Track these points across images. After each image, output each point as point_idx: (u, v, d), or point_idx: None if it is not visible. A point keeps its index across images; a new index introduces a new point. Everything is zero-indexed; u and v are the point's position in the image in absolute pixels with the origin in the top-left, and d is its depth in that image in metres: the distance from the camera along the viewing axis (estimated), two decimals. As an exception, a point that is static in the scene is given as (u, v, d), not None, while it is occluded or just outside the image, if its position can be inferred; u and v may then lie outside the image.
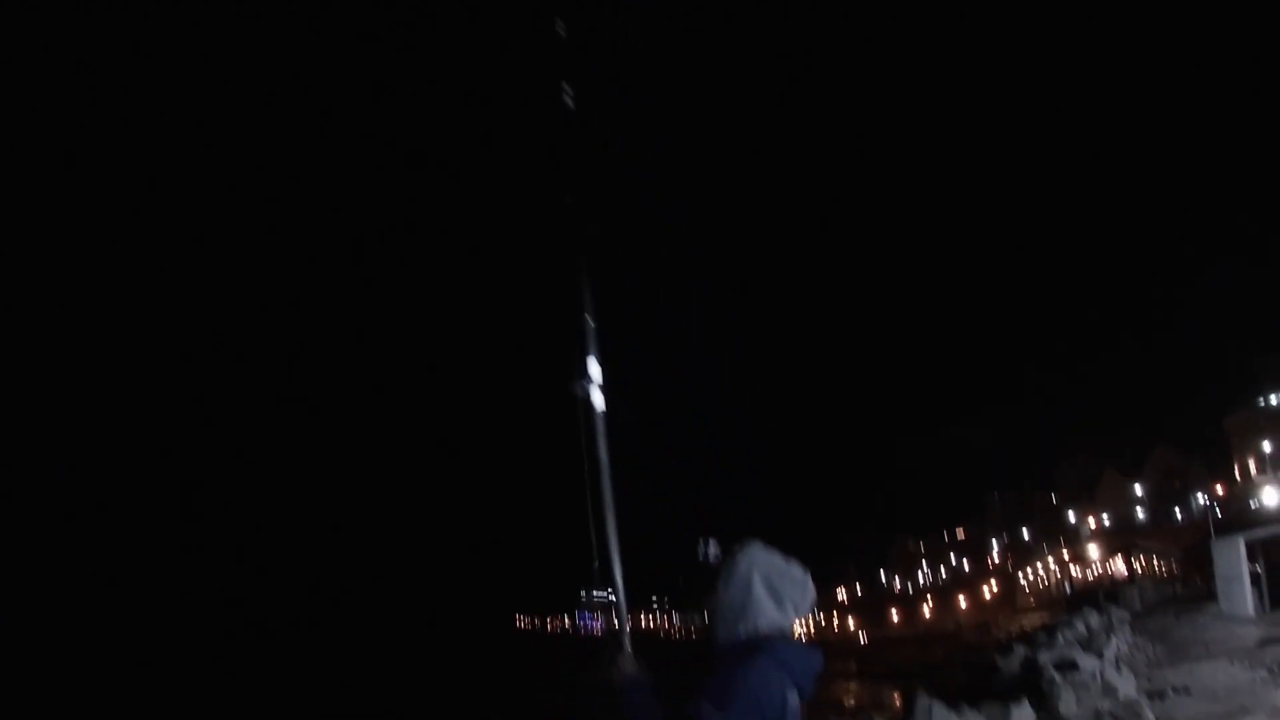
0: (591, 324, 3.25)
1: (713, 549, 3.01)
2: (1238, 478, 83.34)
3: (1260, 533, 30.59)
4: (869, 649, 74.83)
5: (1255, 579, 27.09)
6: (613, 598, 3.00)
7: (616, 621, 3.01)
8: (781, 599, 2.90)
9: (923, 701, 8.12)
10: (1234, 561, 27.43)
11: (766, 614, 2.87)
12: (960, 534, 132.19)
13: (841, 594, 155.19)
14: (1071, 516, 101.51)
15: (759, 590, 2.88)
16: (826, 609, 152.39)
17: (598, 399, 3.16)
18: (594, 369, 3.19)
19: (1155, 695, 13.36)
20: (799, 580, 2.96)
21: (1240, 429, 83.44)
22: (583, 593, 2.99)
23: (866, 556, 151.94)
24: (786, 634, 2.90)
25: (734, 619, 2.90)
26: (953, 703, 8.91)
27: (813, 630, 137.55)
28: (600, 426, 3.13)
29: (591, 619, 2.96)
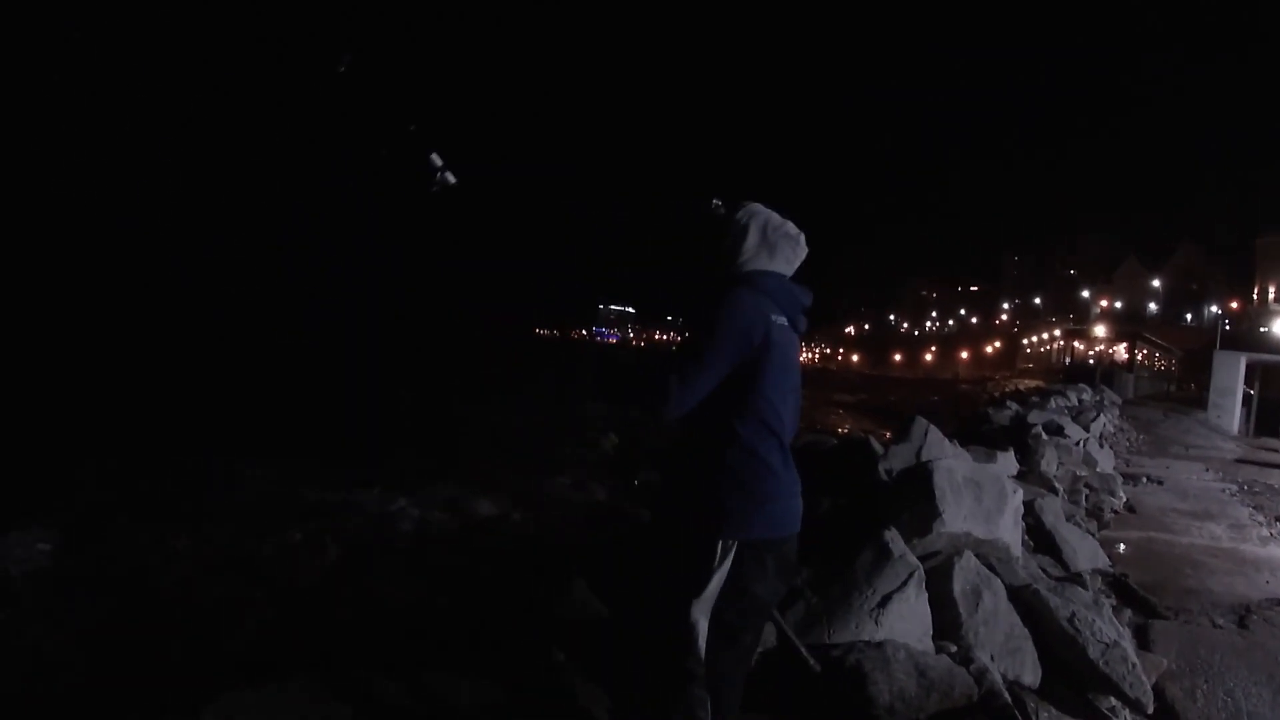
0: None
1: (721, 206, 3.12)
2: (1255, 298, 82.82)
3: (1263, 357, 30.71)
4: (869, 385, 76.23)
5: (1247, 399, 27.41)
6: (630, 309, 3.16)
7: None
8: (774, 249, 3.06)
9: (920, 423, 8.48)
10: (1232, 376, 27.53)
11: (761, 259, 3.04)
12: (974, 288, 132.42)
13: (850, 329, 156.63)
14: (1085, 293, 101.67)
15: (754, 238, 3.04)
16: (833, 342, 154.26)
17: (449, 178, 3.46)
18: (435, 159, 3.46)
19: (1129, 478, 13.71)
20: (792, 235, 3.10)
21: (1270, 252, 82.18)
22: (600, 306, 3.14)
23: (878, 295, 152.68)
24: (764, 271, 3.07)
25: (729, 264, 3.04)
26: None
27: (817, 359, 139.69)
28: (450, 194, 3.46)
29: (607, 332, 3.10)
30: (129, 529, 10.03)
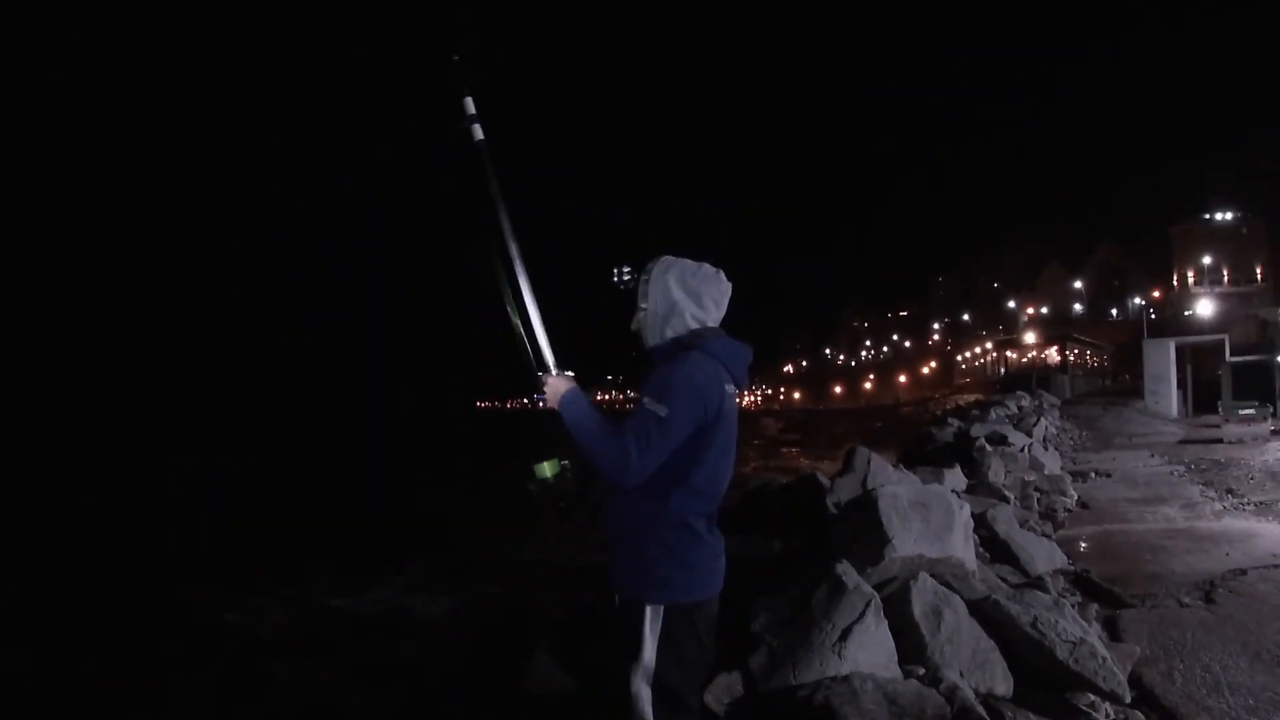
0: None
1: (626, 272, 3.07)
2: (1175, 285, 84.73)
3: (1191, 339, 31.31)
4: (813, 420, 76.76)
5: (1182, 382, 27.87)
6: (569, 373, 2.99)
7: (538, 344, 3.06)
8: (700, 297, 2.99)
9: (862, 453, 8.49)
10: (1164, 362, 28.00)
11: (690, 312, 2.98)
12: (904, 313, 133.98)
13: (789, 368, 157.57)
14: (1011, 303, 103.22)
15: (677, 293, 2.97)
16: (774, 382, 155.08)
17: (477, 131, 3.20)
18: (469, 104, 3.22)
19: (1078, 475, 13.82)
20: (712, 276, 3.04)
21: (1185, 239, 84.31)
22: (539, 374, 3.08)
23: (813, 331, 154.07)
24: (714, 330, 3.04)
25: (661, 325, 3.00)
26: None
27: (760, 401, 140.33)
28: (485, 156, 3.18)
29: (545, 397, 3.03)
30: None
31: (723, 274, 3.07)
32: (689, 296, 2.98)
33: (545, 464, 2.94)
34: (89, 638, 10.09)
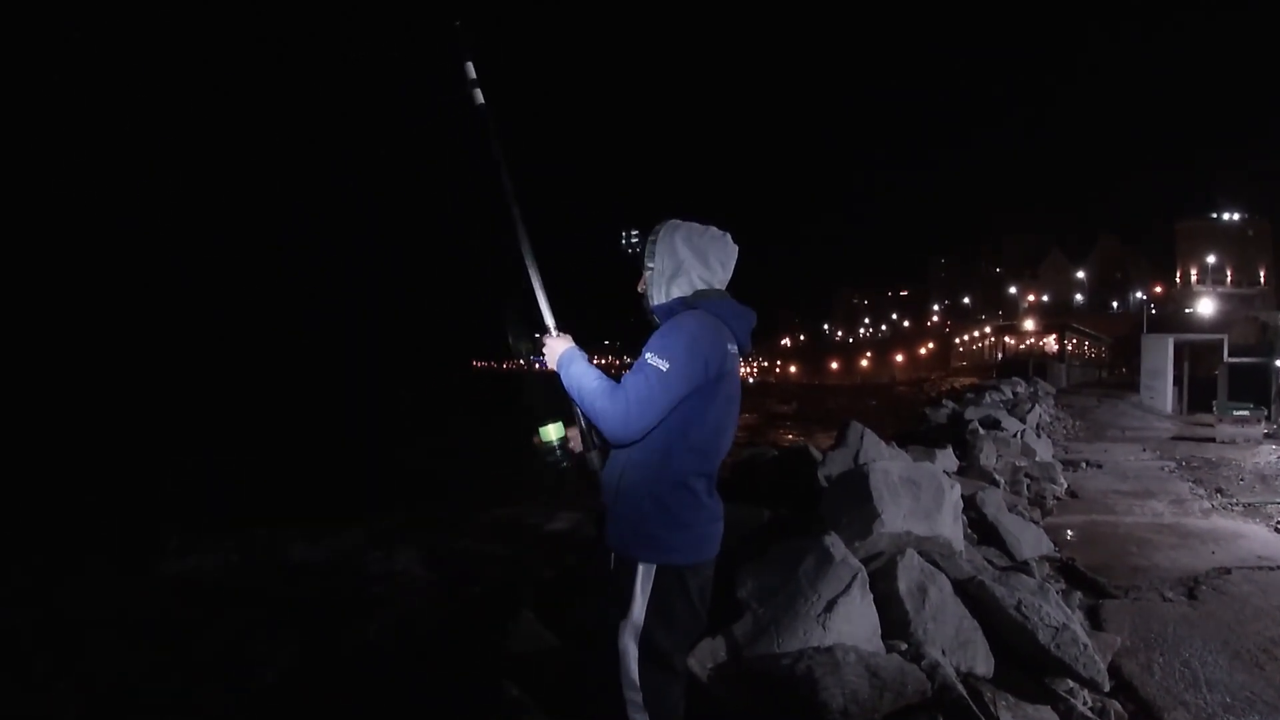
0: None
1: (633, 235, 3.09)
2: (1178, 282, 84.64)
3: (1191, 337, 31.29)
4: (808, 394, 76.83)
5: (1178, 379, 27.86)
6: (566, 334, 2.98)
7: (539, 305, 3.06)
8: (707, 257, 3.00)
9: (855, 428, 8.47)
10: (1162, 358, 27.96)
11: (696, 271, 2.99)
12: (904, 293, 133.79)
13: (786, 341, 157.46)
14: (1013, 289, 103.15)
15: (684, 252, 2.98)
16: (770, 356, 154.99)
17: (478, 96, 3.20)
18: (470, 69, 3.21)
19: (1069, 464, 13.86)
20: (719, 238, 3.04)
21: (1190, 236, 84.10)
22: (536, 335, 3.08)
23: (810, 305, 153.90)
24: (718, 291, 3.04)
25: (667, 284, 3.00)
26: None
27: (756, 373, 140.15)
28: (489, 122, 3.17)
29: (544, 360, 3.05)
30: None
31: (729, 236, 3.07)
32: (695, 256, 2.98)
33: (550, 426, 2.93)
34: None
